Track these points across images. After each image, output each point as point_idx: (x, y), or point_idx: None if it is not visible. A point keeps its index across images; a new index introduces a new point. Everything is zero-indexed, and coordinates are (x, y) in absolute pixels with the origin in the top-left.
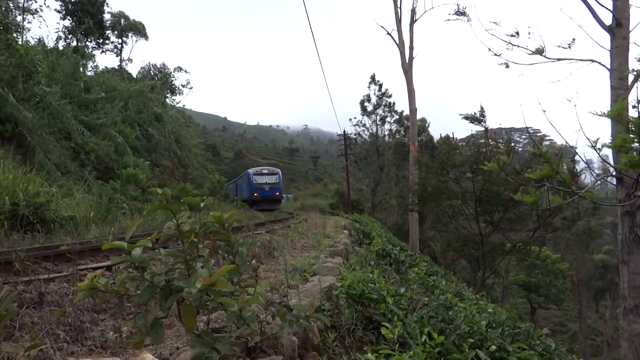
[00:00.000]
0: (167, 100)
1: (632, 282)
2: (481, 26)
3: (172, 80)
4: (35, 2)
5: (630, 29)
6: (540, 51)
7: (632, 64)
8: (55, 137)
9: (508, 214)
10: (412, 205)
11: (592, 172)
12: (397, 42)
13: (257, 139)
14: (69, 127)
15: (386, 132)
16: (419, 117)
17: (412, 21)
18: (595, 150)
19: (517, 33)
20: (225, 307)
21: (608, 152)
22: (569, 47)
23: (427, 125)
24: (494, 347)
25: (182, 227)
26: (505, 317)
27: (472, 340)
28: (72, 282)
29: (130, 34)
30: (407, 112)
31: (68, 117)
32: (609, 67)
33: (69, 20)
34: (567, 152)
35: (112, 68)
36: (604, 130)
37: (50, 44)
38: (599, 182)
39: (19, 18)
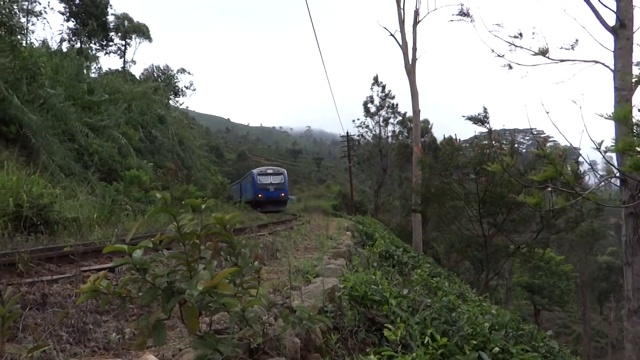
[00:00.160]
0: (170, 101)
1: (636, 284)
2: (484, 27)
3: (175, 82)
4: (39, 4)
5: (634, 30)
6: (543, 52)
7: (636, 65)
8: (59, 138)
9: (511, 215)
10: (415, 206)
11: (596, 174)
12: (400, 43)
13: (260, 141)
14: (72, 129)
15: (389, 134)
16: (422, 118)
17: (415, 22)
18: (600, 153)
19: (521, 34)
20: (228, 309)
21: (612, 153)
22: (572, 48)
23: (429, 126)
24: (497, 349)
25: (183, 229)
26: (508, 319)
27: (475, 342)
28: (75, 284)
29: (133, 36)
30: (410, 113)
31: (72, 119)
32: (612, 68)
33: (73, 22)
34: (571, 154)
35: (116, 70)
36: (607, 131)
37: (54, 46)
38: (602, 183)
39: (23, 20)
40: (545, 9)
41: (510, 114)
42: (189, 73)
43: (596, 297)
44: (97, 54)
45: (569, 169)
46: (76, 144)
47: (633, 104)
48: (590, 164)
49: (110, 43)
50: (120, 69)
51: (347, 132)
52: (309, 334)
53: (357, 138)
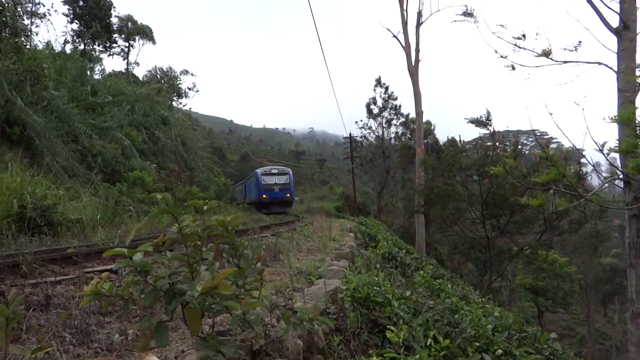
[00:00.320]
0: (173, 103)
1: None
2: (487, 28)
3: (178, 84)
4: (43, 6)
5: (637, 32)
6: (546, 53)
7: None
8: (63, 140)
9: (515, 217)
10: (417, 207)
11: (600, 175)
12: (403, 44)
13: (263, 142)
14: (76, 130)
15: (392, 135)
16: (424, 119)
17: (418, 24)
18: (603, 154)
19: (524, 35)
20: (230, 310)
21: (616, 154)
22: (576, 49)
23: (432, 128)
24: (500, 351)
25: (184, 230)
26: (511, 321)
27: (477, 344)
28: (78, 285)
29: (137, 38)
30: (413, 114)
31: (75, 121)
32: (616, 69)
33: (77, 24)
34: (575, 155)
35: (119, 71)
36: (611, 132)
37: (58, 47)
38: (606, 185)
39: (27, 22)
40: (549, 10)
41: (513, 115)
42: (191, 74)
43: (600, 299)
44: (101, 56)
45: (572, 170)
46: (80, 145)
47: (636, 106)
48: (593, 166)
49: (114, 45)
50: (123, 71)
51: (350, 134)
52: (311, 336)
53: (360, 139)
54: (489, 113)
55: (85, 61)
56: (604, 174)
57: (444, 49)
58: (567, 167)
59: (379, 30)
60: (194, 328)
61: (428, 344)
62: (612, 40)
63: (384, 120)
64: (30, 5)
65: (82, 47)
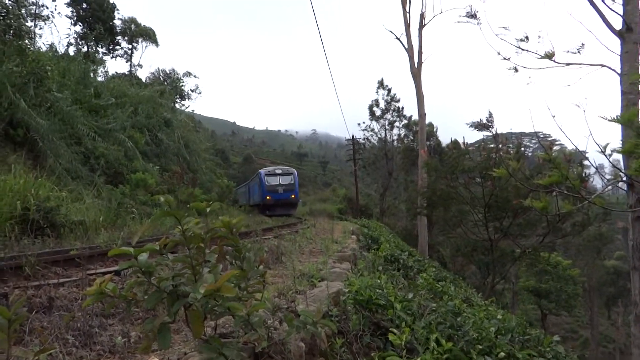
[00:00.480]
0: (176, 105)
1: None
2: (490, 30)
3: (181, 86)
4: (47, 8)
5: None
6: (549, 56)
7: None
8: (66, 142)
9: (517, 219)
10: (420, 209)
11: (603, 178)
12: (406, 46)
13: (265, 144)
14: (79, 132)
15: (395, 137)
16: (427, 121)
17: (421, 26)
18: (605, 156)
19: (527, 38)
20: (233, 313)
21: (619, 157)
22: (579, 51)
23: (435, 130)
24: (503, 353)
25: (187, 232)
26: (514, 324)
27: (480, 347)
28: (81, 287)
29: (140, 40)
30: (415, 116)
31: (79, 123)
32: (619, 72)
33: (80, 26)
34: (578, 157)
35: (122, 73)
36: (614, 135)
37: (61, 50)
38: (609, 187)
39: (31, 24)
40: (552, 13)
41: (516, 117)
42: (194, 76)
43: (604, 301)
44: (104, 58)
45: (575, 172)
46: (83, 147)
47: (639, 107)
48: (596, 168)
49: (117, 47)
50: (126, 73)
51: (353, 136)
52: (313, 338)
53: (363, 141)
54: (490, 114)
55: (88, 63)
56: (607, 176)
57: (446, 51)
58: (569, 169)
59: (381, 32)
60: (197, 330)
61: (431, 346)
62: (615, 43)
63: (387, 123)
64: (34, 7)
65: (85, 49)
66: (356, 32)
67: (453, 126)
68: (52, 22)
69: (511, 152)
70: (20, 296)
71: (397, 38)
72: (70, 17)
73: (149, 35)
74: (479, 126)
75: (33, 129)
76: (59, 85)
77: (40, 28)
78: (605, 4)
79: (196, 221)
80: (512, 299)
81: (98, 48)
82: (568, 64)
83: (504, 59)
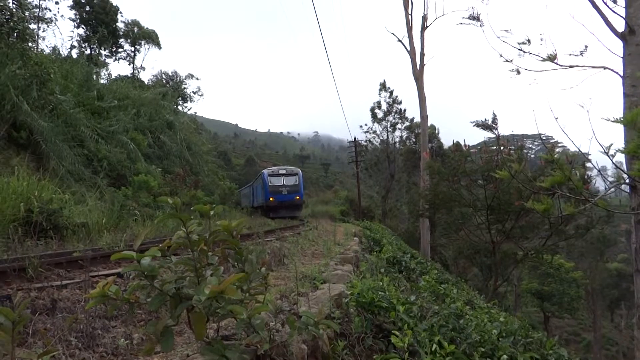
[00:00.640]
0: (178, 107)
1: None
2: (493, 33)
3: (183, 88)
4: (50, 11)
5: None
6: (551, 58)
7: None
8: (69, 144)
9: (520, 222)
10: (422, 211)
11: (605, 179)
12: (408, 49)
13: (268, 146)
14: (82, 135)
15: (397, 139)
16: (429, 123)
17: (423, 28)
18: (609, 157)
19: (529, 40)
20: (235, 315)
21: (622, 159)
22: (581, 54)
23: (437, 132)
24: (505, 356)
25: (191, 235)
26: (517, 326)
27: (483, 350)
28: (84, 289)
29: (143, 42)
30: (417, 118)
31: (81, 125)
32: (621, 74)
33: (83, 28)
34: (580, 159)
35: (125, 76)
36: (617, 138)
37: (64, 52)
38: (612, 189)
39: (34, 27)
40: (554, 15)
41: (518, 119)
42: (196, 78)
43: (607, 304)
44: (107, 61)
45: (577, 174)
46: (85, 149)
47: None
48: (599, 170)
49: (120, 49)
50: (129, 75)
51: (355, 138)
52: (316, 341)
53: (365, 143)
54: (495, 116)
55: (91, 66)
56: (610, 178)
57: (448, 53)
58: (572, 170)
59: (384, 34)
60: (199, 332)
61: (433, 349)
62: (618, 45)
63: (389, 125)
64: (38, 10)
65: (88, 51)
66: (358, 35)
67: (455, 128)
68: (55, 24)
69: (513, 154)
70: (23, 298)
71: (400, 40)
72: (73, 20)
73: (152, 38)
74: (484, 126)
75: (36, 131)
76: (62, 88)
77: (44, 31)
78: (607, 6)
79: (199, 223)
80: (515, 302)
81: (101, 50)
82: (570, 67)
83: (506, 61)
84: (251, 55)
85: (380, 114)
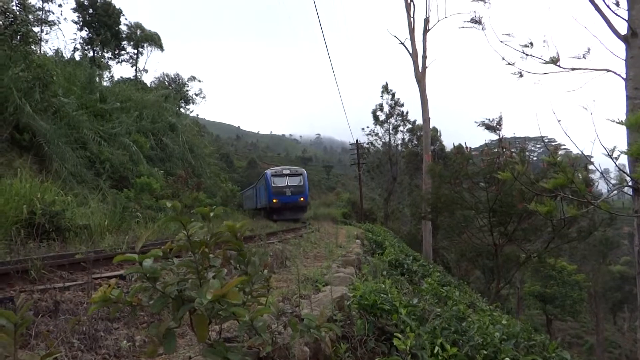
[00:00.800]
0: (181, 109)
1: None
2: (495, 36)
3: (186, 90)
4: (53, 14)
5: None
6: (554, 61)
7: None
8: (72, 146)
9: (522, 224)
10: (425, 213)
11: (608, 182)
12: (410, 51)
13: (270, 148)
14: (85, 137)
15: (399, 142)
16: (431, 126)
17: (425, 30)
18: (612, 160)
19: (531, 43)
20: (237, 317)
21: (624, 161)
22: (584, 57)
23: (438, 134)
24: (507, 359)
25: (192, 237)
26: (519, 329)
27: (485, 352)
28: (86, 291)
29: (145, 45)
30: (420, 121)
31: (84, 127)
32: (624, 77)
33: (86, 31)
34: (583, 162)
35: (128, 78)
36: (619, 141)
37: (67, 55)
38: (615, 192)
39: (37, 30)
40: (556, 18)
41: (521, 122)
42: (199, 80)
43: (609, 307)
44: (110, 63)
45: (580, 177)
46: (88, 151)
47: None
48: (602, 173)
49: (123, 52)
50: (132, 78)
51: (357, 140)
52: (318, 343)
53: (367, 146)
54: (500, 117)
55: (94, 68)
56: (613, 181)
57: (451, 55)
58: (574, 173)
59: (386, 37)
60: (201, 334)
61: (435, 352)
62: (621, 48)
63: (391, 127)
64: (41, 13)
65: (91, 54)
66: (360, 37)
67: (457, 130)
68: (58, 27)
69: (515, 156)
70: (26, 300)
71: (402, 43)
72: (76, 23)
73: (154, 40)
74: (488, 126)
75: (39, 133)
76: (64, 90)
77: (47, 33)
78: (610, 9)
79: (200, 225)
80: (517, 304)
81: (104, 53)
82: (573, 69)
83: (509, 64)
84: (253, 58)
85: (382, 117)
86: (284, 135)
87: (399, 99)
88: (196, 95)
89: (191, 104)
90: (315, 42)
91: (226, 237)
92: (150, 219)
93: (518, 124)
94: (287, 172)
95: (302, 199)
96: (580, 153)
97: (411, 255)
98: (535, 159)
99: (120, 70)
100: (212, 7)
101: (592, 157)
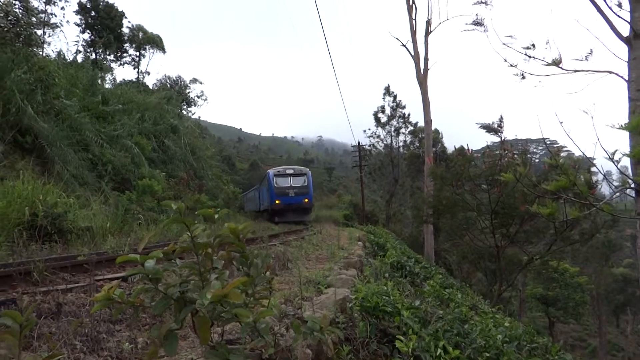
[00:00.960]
0: (182, 111)
1: None
2: (497, 37)
3: (188, 92)
4: (55, 16)
5: None
6: (556, 63)
7: None
8: (74, 148)
9: (524, 226)
10: (426, 217)
11: (611, 184)
12: (412, 53)
13: (272, 150)
14: (87, 139)
15: (400, 144)
16: (433, 128)
17: (427, 33)
18: (613, 162)
19: (533, 45)
20: (240, 319)
21: (627, 163)
22: (586, 58)
23: (440, 136)
24: None
25: (196, 239)
26: (522, 331)
27: (487, 355)
28: (89, 293)
29: (147, 47)
30: (421, 123)
31: (86, 129)
32: (626, 78)
33: (88, 33)
34: (585, 164)
35: (130, 80)
36: (622, 142)
37: (69, 57)
38: (617, 194)
39: (40, 32)
40: (559, 19)
41: (522, 123)
42: (200, 82)
43: (612, 309)
44: (112, 65)
45: (582, 178)
46: (90, 153)
47: None
48: (604, 175)
49: (125, 54)
50: (134, 80)
51: (359, 142)
52: (320, 345)
53: (369, 148)
54: (501, 119)
55: (96, 70)
56: (615, 183)
57: (452, 57)
58: (577, 175)
59: (387, 39)
60: (204, 336)
61: (438, 354)
62: (623, 49)
63: (393, 129)
64: (43, 15)
65: (93, 56)
66: (362, 39)
67: (459, 132)
68: (60, 30)
69: (517, 158)
70: (29, 302)
71: (404, 45)
72: (78, 25)
73: (156, 43)
74: (489, 128)
75: (41, 135)
76: (67, 92)
77: (49, 36)
78: (612, 10)
79: (203, 227)
80: (519, 307)
81: (106, 55)
82: (575, 71)
83: (511, 65)
84: (255, 60)
85: (383, 119)
86: (285, 137)
87: (400, 101)
88: (198, 97)
89: (193, 106)
90: (317, 44)
91: (230, 239)
92: (152, 221)
93: (520, 126)
94: (291, 171)
95: (306, 200)
96: (583, 155)
97: (413, 258)
98: (537, 160)
99: (123, 72)
100: (213, 9)
101: (595, 159)
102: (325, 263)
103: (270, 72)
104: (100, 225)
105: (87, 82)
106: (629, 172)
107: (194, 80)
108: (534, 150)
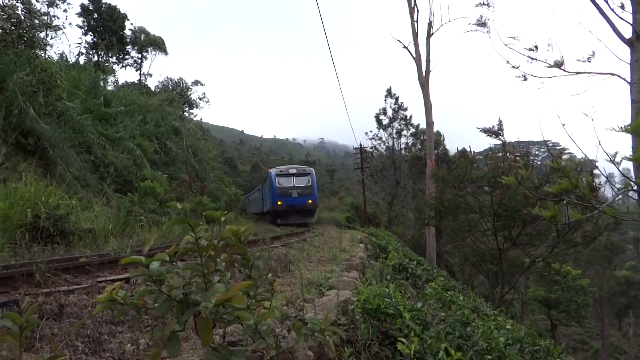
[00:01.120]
0: (184, 113)
1: None
2: (499, 39)
3: (189, 94)
4: (58, 18)
5: None
6: (559, 64)
7: None
8: (76, 150)
9: (527, 229)
10: (428, 219)
11: (613, 187)
12: (414, 55)
13: (273, 152)
14: (89, 141)
15: (402, 146)
16: (434, 130)
17: (429, 35)
18: (614, 165)
19: (536, 47)
20: (242, 321)
21: (629, 166)
22: (589, 60)
23: (442, 138)
24: None
25: (200, 241)
26: (524, 334)
27: (489, 357)
28: (91, 294)
29: (149, 49)
30: (423, 125)
31: (89, 131)
32: (629, 80)
33: (91, 35)
34: (588, 166)
35: (132, 82)
36: (625, 144)
37: (72, 59)
38: (619, 196)
39: (42, 34)
40: (561, 22)
41: (524, 126)
42: (202, 84)
43: (614, 312)
44: (114, 67)
45: (584, 181)
46: (92, 155)
47: None
48: (607, 177)
49: (127, 56)
50: (136, 82)
51: (360, 144)
52: (322, 347)
53: (370, 150)
54: (501, 122)
55: (98, 72)
56: (618, 186)
57: (454, 59)
58: (579, 177)
59: (389, 41)
60: (206, 338)
61: (439, 356)
62: (625, 51)
63: (394, 131)
64: (46, 17)
65: (95, 58)
66: (364, 41)
67: (461, 134)
68: (63, 32)
69: (519, 160)
70: (31, 303)
71: (405, 47)
72: (81, 27)
73: (158, 45)
74: (489, 132)
75: (43, 137)
76: (69, 94)
77: (52, 38)
78: (615, 13)
79: (206, 229)
80: (522, 309)
81: (108, 57)
82: (577, 73)
83: (513, 67)
84: (257, 62)
85: (385, 121)
86: (287, 139)
87: (402, 103)
88: (200, 99)
89: (195, 108)
90: (318, 46)
91: (232, 241)
92: (154, 222)
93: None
94: (294, 171)
95: (310, 201)
96: (585, 157)
97: (415, 260)
98: (539, 163)
99: (125, 74)
100: (215, 11)
101: (597, 161)
102: (327, 265)
103: (272, 74)
104: (102, 227)
105: (90, 84)
106: (632, 174)
107: (196, 82)
108: (536, 152)
